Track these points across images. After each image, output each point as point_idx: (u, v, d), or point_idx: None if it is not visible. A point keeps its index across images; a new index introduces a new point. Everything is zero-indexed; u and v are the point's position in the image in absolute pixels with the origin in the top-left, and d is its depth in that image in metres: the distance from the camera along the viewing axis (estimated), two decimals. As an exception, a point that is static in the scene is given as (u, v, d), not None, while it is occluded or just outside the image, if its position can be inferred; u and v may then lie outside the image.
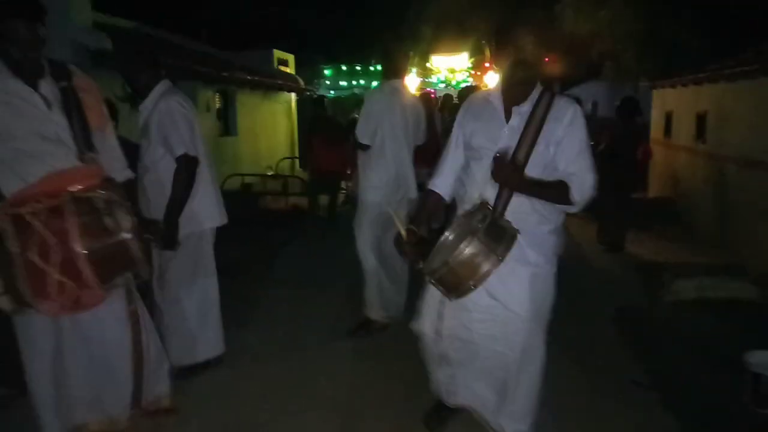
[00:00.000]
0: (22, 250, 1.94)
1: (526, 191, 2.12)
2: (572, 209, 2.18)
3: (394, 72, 3.87)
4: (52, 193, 2.06)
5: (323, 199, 7.67)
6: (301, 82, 12.56)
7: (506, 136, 2.17)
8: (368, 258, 3.84)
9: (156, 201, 3.02)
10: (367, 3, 14.56)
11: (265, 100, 11.32)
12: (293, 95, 12.85)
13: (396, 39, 12.17)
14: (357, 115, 4.44)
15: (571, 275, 5.17)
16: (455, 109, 5.06)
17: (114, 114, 3.47)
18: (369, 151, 3.76)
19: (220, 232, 3.35)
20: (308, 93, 12.80)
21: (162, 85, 3.07)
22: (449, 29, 13.24)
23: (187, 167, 2.95)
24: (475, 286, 1.99)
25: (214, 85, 9.12)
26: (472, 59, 14.05)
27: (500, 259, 1.96)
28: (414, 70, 13.41)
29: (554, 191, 2.13)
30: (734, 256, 5.57)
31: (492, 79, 13.97)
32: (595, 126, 7.68)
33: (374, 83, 5.32)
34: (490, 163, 2.08)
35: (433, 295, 2.35)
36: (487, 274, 1.97)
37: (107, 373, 2.46)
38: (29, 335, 2.34)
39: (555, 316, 4.02)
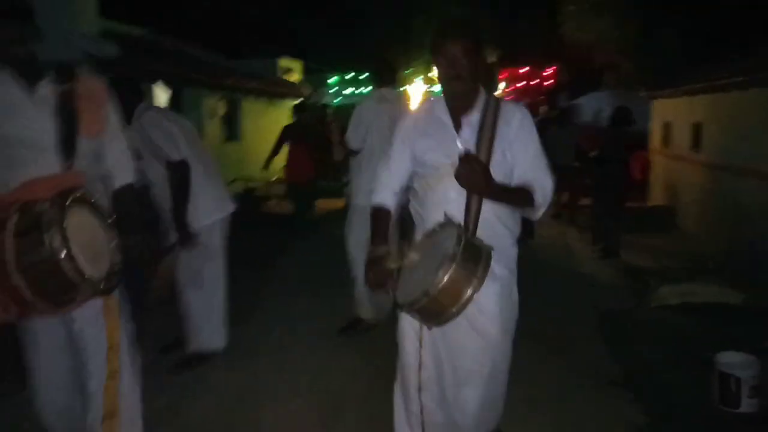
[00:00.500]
0: None
1: (495, 195, 2.00)
2: (535, 215, 2.12)
3: (383, 80, 4.04)
4: (10, 203, 1.99)
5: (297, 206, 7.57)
6: (306, 91, 12.75)
7: (460, 148, 2.03)
8: (358, 259, 3.98)
9: (162, 202, 3.36)
10: (374, 13, 14.74)
11: (270, 106, 11.52)
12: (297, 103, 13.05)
13: (399, 48, 12.35)
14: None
15: (561, 279, 5.37)
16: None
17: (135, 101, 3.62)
18: (359, 156, 3.92)
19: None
20: (308, 100, 12.99)
21: (139, 109, 3.31)
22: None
23: (176, 171, 3.21)
24: (458, 313, 1.87)
25: (219, 92, 9.32)
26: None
27: (480, 281, 1.85)
28: (420, 77, 13.61)
29: (520, 195, 2.05)
30: (727, 262, 5.65)
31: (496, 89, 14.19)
32: (585, 134, 7.84)
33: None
34: (450, 177, 1.94)
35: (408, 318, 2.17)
36: (470, 299, 1.85)
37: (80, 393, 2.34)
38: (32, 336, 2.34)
39: (539, 316, 4.19)
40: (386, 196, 2.23)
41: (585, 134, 8.33)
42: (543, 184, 2.06)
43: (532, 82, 14.46)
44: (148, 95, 7.73)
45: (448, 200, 2.04)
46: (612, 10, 10.12)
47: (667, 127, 9.03)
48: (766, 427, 2.79)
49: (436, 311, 1.87)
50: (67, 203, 1.98)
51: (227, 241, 3.63)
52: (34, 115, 2.14)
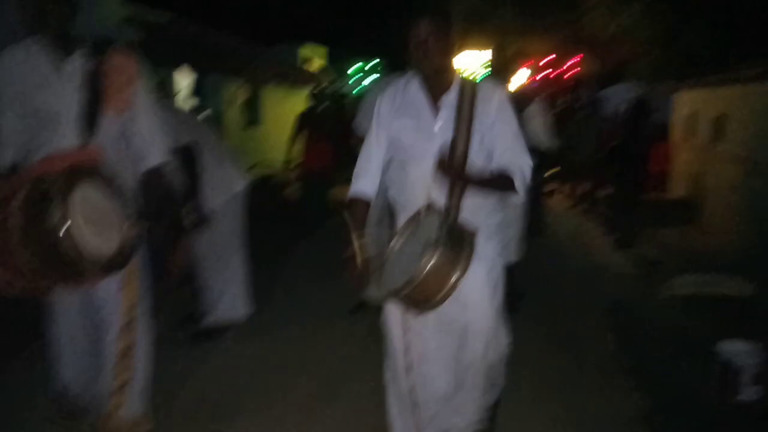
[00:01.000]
0: None
1: (475, 183, 1.97)
2: (517, 199, 2.10)
3: (394, 67, 4.11)
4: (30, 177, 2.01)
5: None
6: (328, 77, 12.83)
7: (440, 129, 2.01)
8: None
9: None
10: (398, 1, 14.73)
11: (290, 93, 11.62)
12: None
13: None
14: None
15: (573, 269, 5.38)
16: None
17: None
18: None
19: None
20: (326, 89, 13.08)
21: None
22: (474, 26, 13.31)
23: (187, 156, 3.32)
24: (446, 298, 1.85)
25: (241, 78, 9.43)
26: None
27: (467, 264, 1.83)
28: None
29: (500, 180, 2.02)
30: (747, 256, 5.59)
31: (518, 79, 14.06)
32: (606, 126, 7.77)
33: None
34: (430, 160, 1.92)
35: (392, 307, 2.19)
36: (456, 284, 1.83)
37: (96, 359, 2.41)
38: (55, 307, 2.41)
39: (547, 305, 4.22)
40: (364, 183, 2.15)
41: (607, 126, 8.27)
42: (522, 167, 2.03)
43: (556, 71, 14.32)
44: (168, 80, 7.89)
45: (428, 184, 1.98)
46: (639, 1, 9.96)
47: (690, 119, 8.90)
48: (766, 416, 2.81)
49: (423, 298, 1.85)
50: (76, 178, 1.98)
51: (244, 218, 3.78)
52: (60, 89, 2.17)
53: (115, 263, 2.10)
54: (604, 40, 11.00)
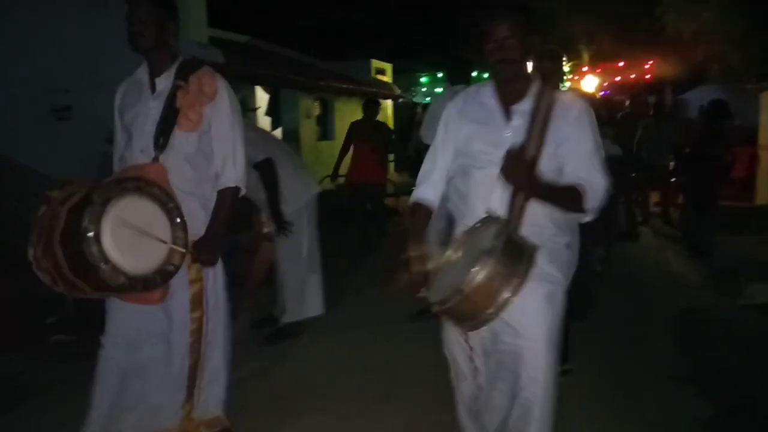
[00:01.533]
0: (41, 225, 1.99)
1: (541, 194, 1.79)
2: (584, 218, 1.92)
3: (455, 79, 4.29)
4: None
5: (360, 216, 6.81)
6: (397, 90, 13.10)
7: (510, 138, 1.87)
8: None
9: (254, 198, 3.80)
10: (463, 10, 14.83)
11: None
12: (389, 102, 13.44)
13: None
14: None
15: (644, 278, 5.27)
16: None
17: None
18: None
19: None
20: (402, 100, 13.32)
21: None
22: (547, 34, 13.18)
23: (264, 169, 3.62)
24: (494, 316, 1.70)
25: (314, 93, 9.85)
26: (570, 64, 13.88)
27: (522, 281, 1.67)
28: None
29: (569, 196, 1.84)
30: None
31: (590, 84, 13.75)
32: (681, 130, 7.51)
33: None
34: (496, 169, 1.76)
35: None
36: (509, 301, 1.68)
37: (164, 368, 2.39)
38: (112, 313, 2.36)
39: (615, 313, 4.19)
40: (426, 190, 2.07)
41: (682, 131, 7.98)
42: (594, 186, 1.85)
43: (630, 77, 13.89)
44: (250, 97, 8.39)
45: (491, 194, 1.85)
46: (719, -1, 9.58)
47: (777, 122, 8.43)
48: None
49: (470, 312, 1.70)
50: (119, 190, 1.98)
51: (318, 222, 4.04)
52: (150, 104, 2.27)
53: (150, 282, 2.07)
54: (683, 41, 10.61)
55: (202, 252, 2.27)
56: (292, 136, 9.23)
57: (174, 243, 2.13)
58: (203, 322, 2.37)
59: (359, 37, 16.30)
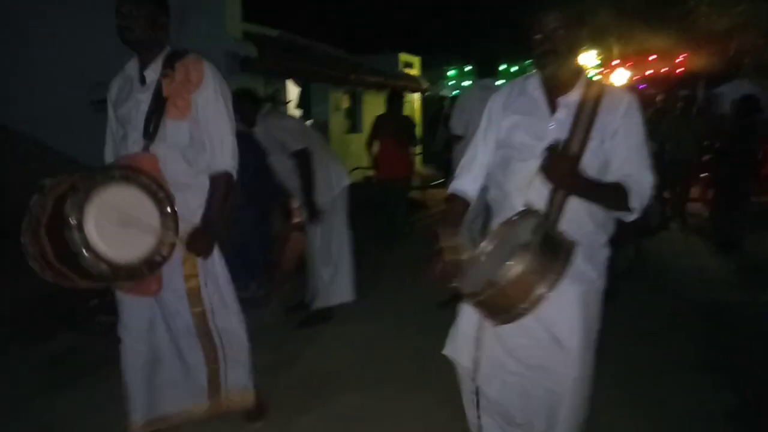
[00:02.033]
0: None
1: (583, 192, 1.76)
2: (629, 217, 1.85)
3: (485, 71, 4.38)
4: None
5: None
6: (425, 84, 13.15)
7: (554, 130, 1.83)
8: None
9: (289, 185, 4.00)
10: (492, 4, 14.78)
11: (390, 99, 12.07)
12: (417, 95, 13.51)
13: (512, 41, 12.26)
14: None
15: (672, 272, 5.29)
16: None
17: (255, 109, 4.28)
18: (462, 143, 4.23)
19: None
20: (429, 93, 13.37)
21: (261, 116, 3.91)
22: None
23: (300, 158, 3.79)
24: (528, 311, 1.67)
25: (343, 87, 9.99)
26: (600, 57, 13.71)
27: (558, 277, 1.65)
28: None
29: (613, 194, 1.79)
30: None
31: (621, 77, 13.57)
32: (713, 124, 7.43)
33: (499, 82, 4.67)
34: (537, 161, 1.73)
35: (468, 317, 2.03)
36: (543, 296, 1.65)
37: (180, 356, 2.46)
38: (123, 305, 2.41)
39: (641, 305, 4.23)
40: (465, 181, 2.06)
41: (715, 126, 7.89)
42: (641, 182, 1.81)
43: (661, 71, 13.68)
44: (282, 90, 8.56)
45: (531, 187, 1.81)
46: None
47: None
48: None
49: (503, 305, 1.68)
50: (104, 178, 1.97)
51: (349, 212, 4.19)
52: (140, 96, 2.27)
53: (135, 272, 2.05)
54: (716, 34, 10.44)
55: (196, 241, 2.25)
56: (321, 129, 9.38)
57: (163, 233, 2.09)
58: (207, 318, 2.37)
59: (388, 31, 16.37)
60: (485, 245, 1.84)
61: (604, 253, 1.94)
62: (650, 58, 13.62)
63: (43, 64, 6.85)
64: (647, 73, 13.93)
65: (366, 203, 6.45)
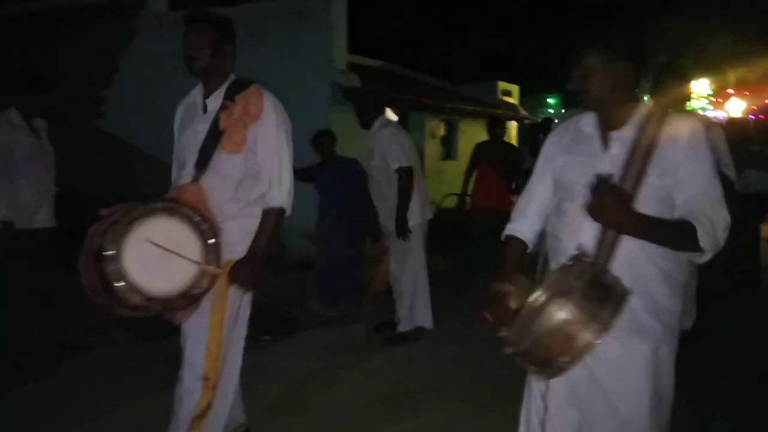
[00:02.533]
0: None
1: (636, 231, 1.59)
2: (701, 259, 1.63)
3: (572, 101, 4.39)
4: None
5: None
6: (522, 112, 13.11)
7: (606, 167, 1.67)
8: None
9: (377, 200, 4.23)
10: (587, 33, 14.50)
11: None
12: (514, 123, 13.48)
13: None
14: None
15: (762, 310, 4.83)
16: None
17: (333, 143, 4.54)
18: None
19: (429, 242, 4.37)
20: (528, 121, 13.30)
21: (380, 120, 4.18)
22: (686, 54, 12.51)
23: (404, 175, 3.96)
24: (572, 363, 1.56)
25: (439, 115, 10.23)
26: (713, 86, 13.02)
27: (605, 327, 1.53)
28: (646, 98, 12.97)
29: (675, 233, 1.60)
30: None
31: (735, 107, 12.77)
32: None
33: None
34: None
35: (535, 389, 1.88)
36: (587, 348, 1.53)
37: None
38: None
39: (726, 348, 3.92)
40: (520, 224, 1.94)
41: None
42: (713, 218, 1.59)
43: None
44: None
45: (582, 228, 1.67)
46: None
47: None
48: None
49: (543, 357, 1.58)
50: (146, 211, 1.97)
51: (427, 242, 4.36)
52: (199, 127, 2.26)
53: (171, 304, 2.04)
54: None
55: (240, 272, 2.19)
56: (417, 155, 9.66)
57: (205, 265, 2.06)
58: (222, 354, 2.25)
59: (489, 60, 16.52)
60: (539, 294, 1.65)
61: (674, 305, 1.71)
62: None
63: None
64: (767, 101, 13.02)
65: (457, 230, 6.58)
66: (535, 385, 1.87)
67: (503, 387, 3.45)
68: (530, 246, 1.94)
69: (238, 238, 2.24)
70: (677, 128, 1.66)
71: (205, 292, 2.11)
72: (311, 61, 7.23)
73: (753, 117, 11.79)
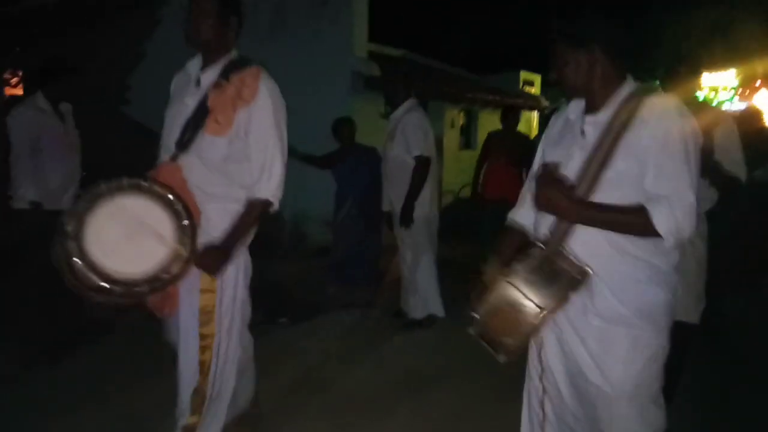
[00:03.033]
0: None
1: (579, 218, 1.61)
2: (668, 243, 1.57)
3: None
4: None
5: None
6: (544, 102, 13.01)
7: (578, 152, 1.69)
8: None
9: (389, 184, 4.21)
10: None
11: (508, 118, 12.11)
12: (535, 113, 13.39)
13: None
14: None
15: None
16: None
17: (352, 131, 4.55)
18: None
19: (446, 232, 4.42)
20: (546, 111, 13.19)
21: (409, 102, 4.14)
22: (715, 44, 12.24)
23: (421, 165, 3.99)
24: (518, 345, 1.62)
25: (459, 104, 10.22)
26: (740, 76, 12.74)
27: (542, 308, 1.54)
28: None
29: (624, 217, 1.59)
30: None
31: (763, 99, 12.47)
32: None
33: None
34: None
35: (533, 370, 1.94)
36: (533, 329, 1.57)
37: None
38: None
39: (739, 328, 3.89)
40: (520, 213, 1.97)
41: None
42: (676, 203, 1.55)
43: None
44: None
45: (546, 215, 1.72)
46: None
47: None
48: None
49: (492, 339, 1.64)
50: (112, 187, 1.86)
51: (436, 233, 4.40)
52: (188, 100, 2.11)
53: (134, 289, 1.85)
54: None
55: (208, 257, 2.03)
56: (436, 145, 9.65)
57: (177, 247, 1.90)
58: (215, 342, 2.13)
59: (511, 50, 16.38)
60: (509, 277, 1.68)
61: (650, 294, 1.65)
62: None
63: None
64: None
65: (469, 219, 6.60)
66: (533, 366, 1.91)
67: (513, 373, 3.52)
68: (527, 231, 1.94)
69: (217, 222, 2.09)
70: (651, 111, 1.61)
71: (175, 278, 1.92)
72: (332, 50, 7.27)
73: None
